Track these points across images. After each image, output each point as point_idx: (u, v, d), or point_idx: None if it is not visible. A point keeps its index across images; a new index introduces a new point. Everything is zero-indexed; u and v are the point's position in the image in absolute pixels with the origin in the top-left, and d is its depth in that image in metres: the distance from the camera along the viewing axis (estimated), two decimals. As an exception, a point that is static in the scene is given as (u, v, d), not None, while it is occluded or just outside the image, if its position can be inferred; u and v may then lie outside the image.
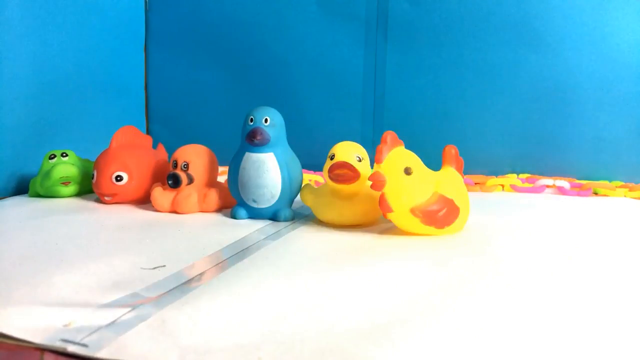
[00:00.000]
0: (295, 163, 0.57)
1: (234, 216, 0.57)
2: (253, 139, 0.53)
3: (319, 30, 0.90)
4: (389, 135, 0.49)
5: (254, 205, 0.56)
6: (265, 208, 0.56)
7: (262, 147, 0.54)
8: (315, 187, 0.57)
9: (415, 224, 0.49)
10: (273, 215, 0.56)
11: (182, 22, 0.97)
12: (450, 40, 0.85)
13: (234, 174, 0.56)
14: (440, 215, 0.48)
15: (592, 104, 0.81)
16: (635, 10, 0.78)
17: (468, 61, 0.85)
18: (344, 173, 0.52)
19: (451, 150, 0.54)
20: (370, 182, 0.49)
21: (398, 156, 0.48)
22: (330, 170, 0.52)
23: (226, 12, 0.94)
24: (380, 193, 0.48)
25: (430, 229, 0.49)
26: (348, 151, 0.53)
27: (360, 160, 0.53)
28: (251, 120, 0.54)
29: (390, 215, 0.49)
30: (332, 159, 0.53)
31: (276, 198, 0.55)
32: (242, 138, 0.55)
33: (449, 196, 0.49)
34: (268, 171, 0.54)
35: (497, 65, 0.84)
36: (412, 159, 0.49)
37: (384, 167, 0.48)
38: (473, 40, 0.84)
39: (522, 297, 0.34)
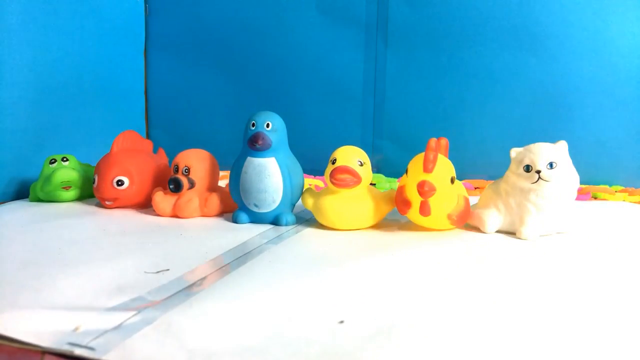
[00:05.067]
0: (297, 167, 0.57)
1: (235, 220, 0.57)
2: (255, 144, 0.54)
3: (319, 35, 0.91)
4: (436, 143, 0.50)
5: (256, 209, 0.56)
6: (267, 212, 0.56)
7: (263, 152, 0.54)
8: (316, 191, 0.57)
9: (436, 221, 0.52)
10: (274, 220, 0.56)
11: (182, 26, 0.97)
12: (450, 44, 0.86)
13: (235, 179, 0.56)
14: (466, 216, 0.53)
15: (592, 109, 0.82)
16: (635, 15, 0.78)
17: (468, 66, 0.85)
18: (346, 177, 0.52)
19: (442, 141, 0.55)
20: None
21: (445, 166, 0.51)
22: (332, 175, 0.52)
23: (226, 17, 0.95)
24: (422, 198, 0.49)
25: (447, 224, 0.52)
26: (349, 156, 0.53)
27: (361, 165, 0.53)
28: (253, 125, 0.55)
29: (410, 213, 0.52)
30: (333, 163, 0.53)
31: (277, 202, 0.55)
32: (243, 142, 0.56)
33: (464, 193, 0.53)
34: (269, 176, 0.54)
35: (497, 69, 0.84)
36: (453, 168, 0.52)
37: (433, 177, 0.49)
38: (473, 45, 0.85)
39: (524, 298, 0.34)
